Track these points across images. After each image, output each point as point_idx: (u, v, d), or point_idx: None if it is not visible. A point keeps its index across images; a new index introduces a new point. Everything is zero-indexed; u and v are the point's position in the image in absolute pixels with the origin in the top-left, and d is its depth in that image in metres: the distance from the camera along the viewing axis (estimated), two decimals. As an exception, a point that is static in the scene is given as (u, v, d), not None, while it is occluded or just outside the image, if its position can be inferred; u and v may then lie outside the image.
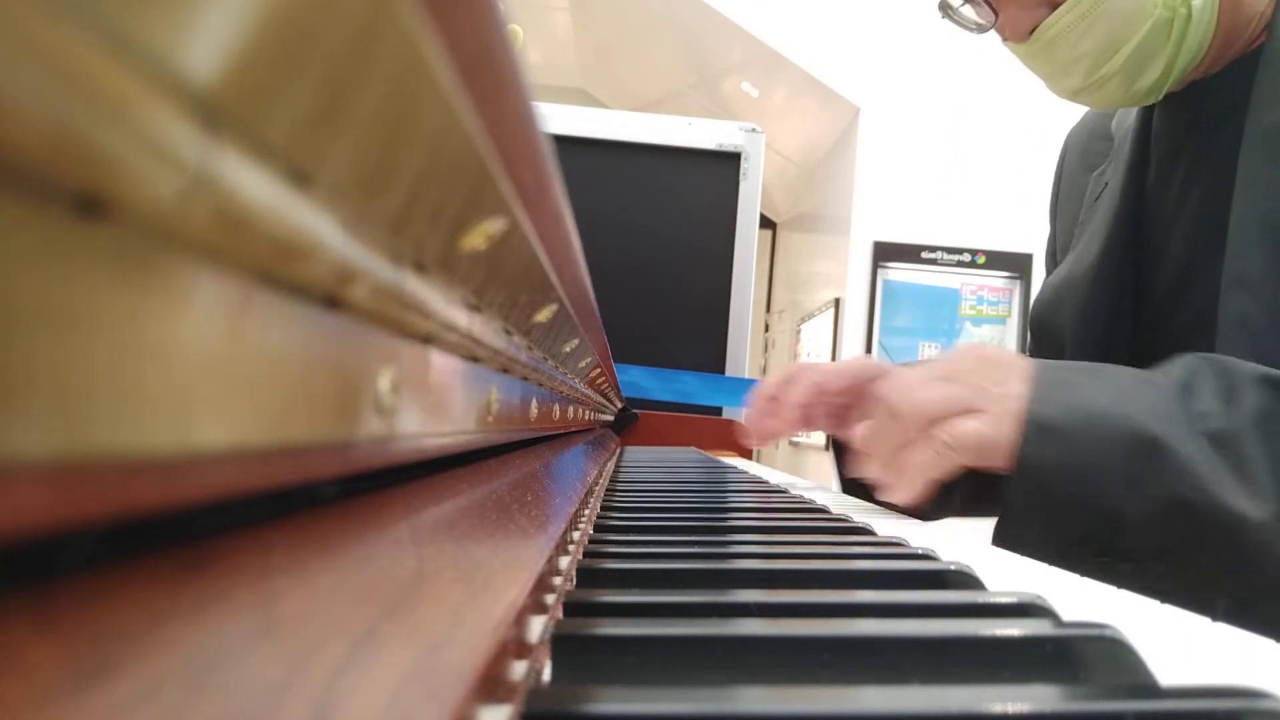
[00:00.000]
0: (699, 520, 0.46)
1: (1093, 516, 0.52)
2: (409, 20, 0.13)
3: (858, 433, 0.62)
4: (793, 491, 0.70)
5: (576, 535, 0.38)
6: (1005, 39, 0.75)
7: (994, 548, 0.49)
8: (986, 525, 0.64)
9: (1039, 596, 0.26)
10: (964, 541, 0.48)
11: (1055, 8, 0.70)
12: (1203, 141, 0.74)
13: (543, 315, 0.37)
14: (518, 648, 0.19)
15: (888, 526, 0.49)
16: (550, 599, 0.25)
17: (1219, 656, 0.25)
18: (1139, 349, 0.79)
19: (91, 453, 0.09)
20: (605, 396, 1.06)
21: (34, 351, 0.08)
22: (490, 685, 0.16)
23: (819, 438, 4.67)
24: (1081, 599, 0.33)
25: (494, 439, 0.34)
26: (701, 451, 1.37)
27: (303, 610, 0.13)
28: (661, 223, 1.69)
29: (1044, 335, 0.87)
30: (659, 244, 1.69)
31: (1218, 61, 0.73)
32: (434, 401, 0.23)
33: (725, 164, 1.70)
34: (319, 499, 0.18)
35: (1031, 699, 0.18)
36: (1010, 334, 4.39)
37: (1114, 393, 0.54)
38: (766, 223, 6.32)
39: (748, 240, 1.70)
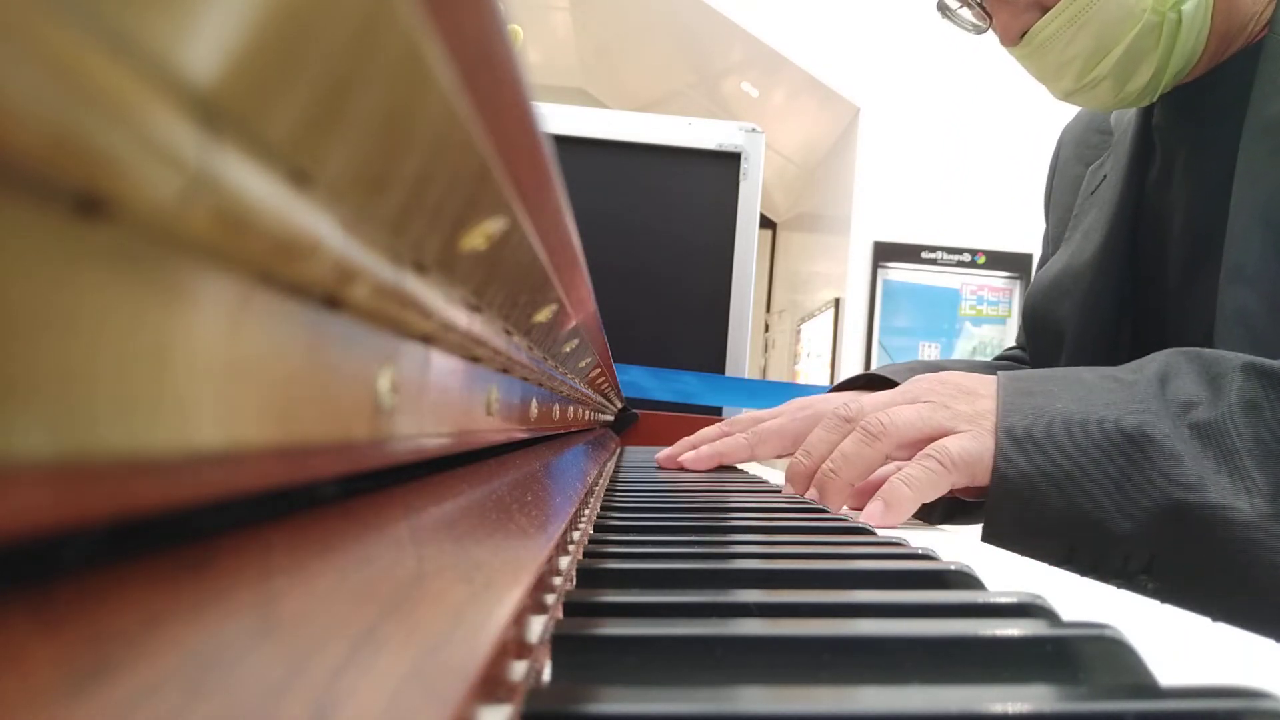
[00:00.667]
0: (699, 520, 0.46)
1: (1078, 528, 0.51)
2: (409, 20, 0.13)
3: (799, 461, 0.62)
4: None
5: (576, 535, 0.38)
6: (1001, 42, 0.77)
7: (995, 548, 0.49)
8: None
9: (1039, 596, 0.26)
10: (964, 541, 0.48)
11: (1046, 11, 0.71)
12: (1204, 135, 0.75)
13: (543, 315, 0.37)
14: (518, 648, 0.19)
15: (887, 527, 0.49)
16: (550, 599, 0.25)
17: (1219, 656, 0.25)
18: (1141, 342, 0.79)
19: (91, 453, 0.09)
20: (605, 396, 1.06)
21: (34, 351, 0.08)
22: (490, 685, 0.16)
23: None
24: (1081, 599, 0.33)
25: (494, 439, 0.34)
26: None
27: (303, 610, 0.13)
28: (661, 223, 1.69)
29: (1040, 327, 0.86)
30: (659, 244, 1.69)
31: (1219, 58, 0.73)
32: (434, 401, 0.23)
33: (725, 164, 1.70)
34: (319, 499, 0.18)
35: (1031, 699, 0.18)
36: (1010, 334, 4.39)
37: (1085, 395, 0.54)
38: (766, 223, 6.32)
39: (748, 240, 1.70)
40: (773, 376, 6.11)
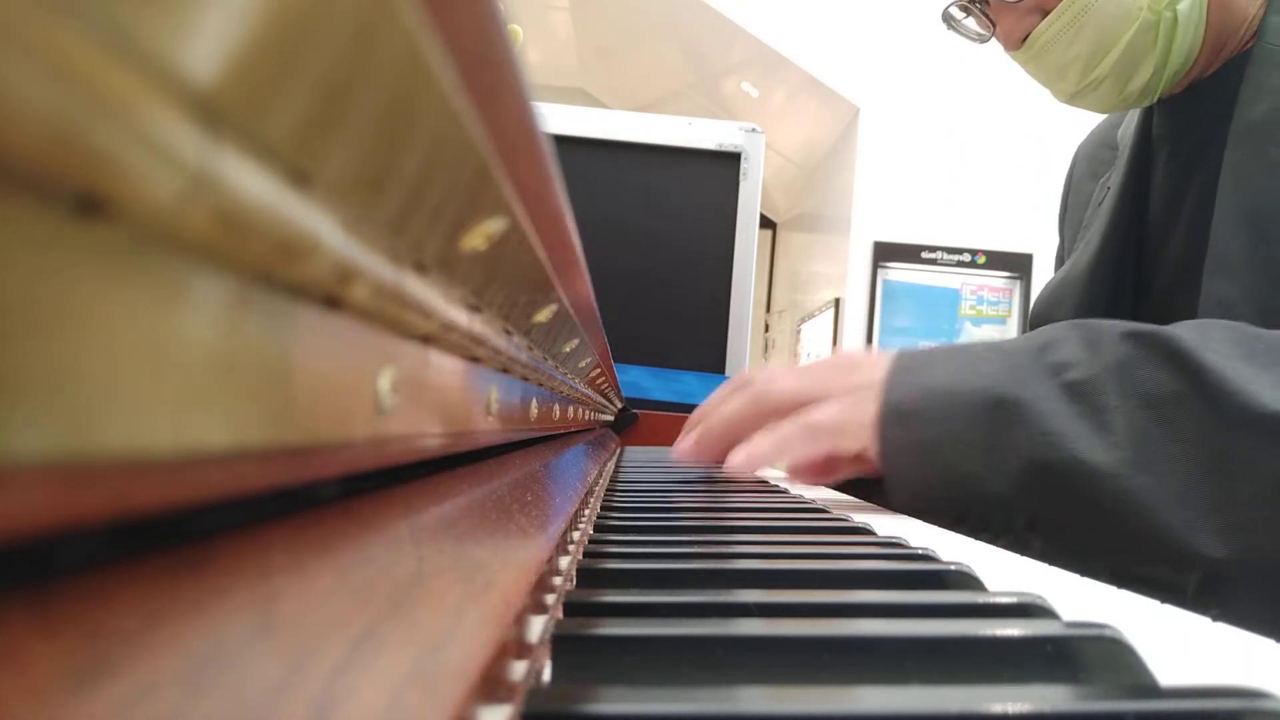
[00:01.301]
0: (699, 520, 0.46)
1: (959, 492, 0.55)
2: (409, 20, 0.13)
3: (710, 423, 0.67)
4: (782, 487, 0.71)
5: (576, 535, 0.38)
6: (1004, 48, 0.79)
7: (996, 549, 0.49)
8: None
9: (1039, 596, 0.26)
10: (964, 542, 0.48)
11: (1046, 15, 0.74)
12: (1198, 140, 0.77)
13: (543, 315, 0.37)
14: (518, 648, 0.19)
15: (888, 526, 0.49)
16: (550, 599, 0.25)
17: (1219, 656, 0.25)
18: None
19: (91, 453, 0.09)
20: (605, 396, 1.06)
21: (34, 351, 0.08)
22: (490, 685, 0.16)
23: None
24: (1081, 599, 0.33)
25: (494, 439, 0.34)
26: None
27: (302, 610, 0.13)
28: (661, 223, 1.69)
29: None
30: (659, 244, 1.69)
31: (1213, 62, 0.76)
32: (434, 401, 0.23)
33: (725, 164, 1.70)
34: (319, 499, 0.18)
35: (1031, 699, 0.18)
36: (1010, 334, 4.39)
37: (960, 367, 0.57)
38: (766, 223, 6.32)
39: (748, 240, 1.70)
40: (773, 376, 6.09)
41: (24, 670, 0.08)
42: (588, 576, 0.30)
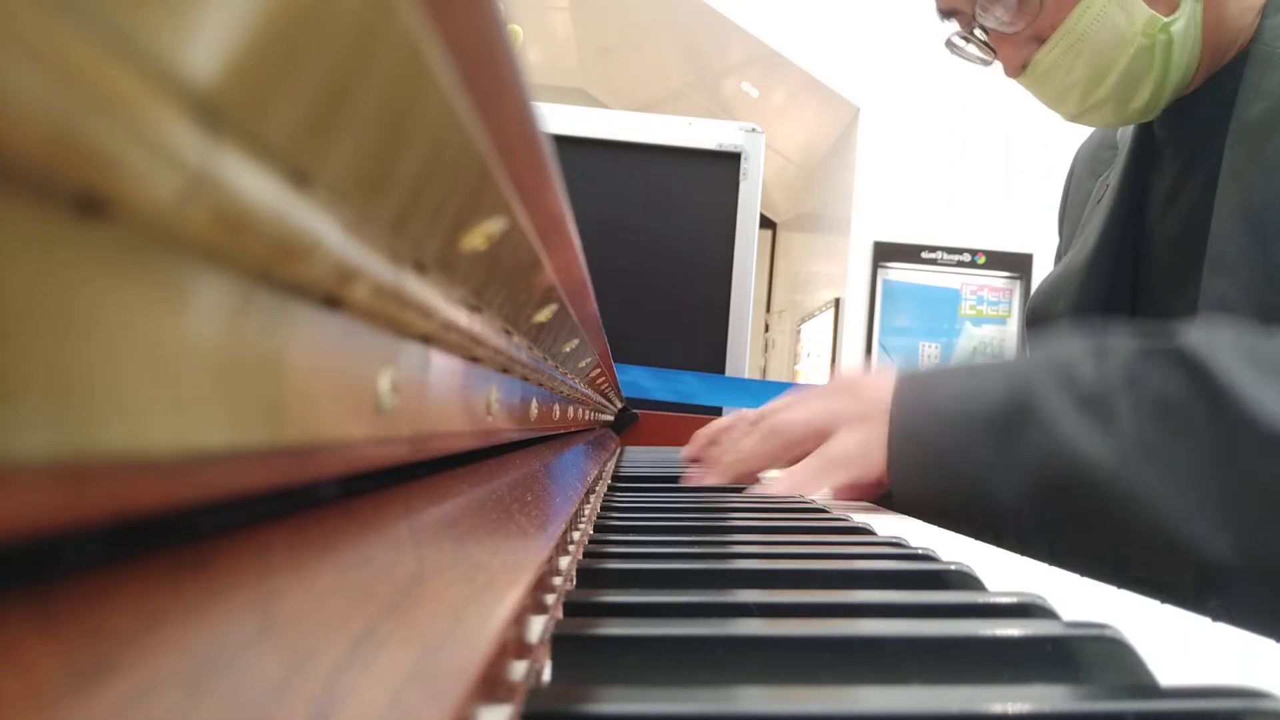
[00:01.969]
0: (699, 520, 0.46)
1: (970, 503, 0.57)
2: (409, 20, 0.13)
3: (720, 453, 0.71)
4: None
5: (576, 535, 0.38)
6: (1005, 74, 0.81)
7: (995, 549, 0.49)
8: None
9: (1039, 596, 0.26)
10: (964, 541, 0.48)
11: (1044, 42, 0.75)
12: (1197, 139, 0.78)
13: (543, 315, 0.37)
14: (518, 648, 0.19)
15: (888, 526, 0.49)
16: (550, 599, 0.25)
17: (1219, 656, 0.25)
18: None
19: (91, 453, 0.09)
20: (605, 396, 1.06)
21: (34, 351, 0.08)
22: (490, 685, 0.16)
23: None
24: (1081, 599, 0.33)
25: (494, 439, 0.34)
26: (701, 451, 1.37)
27: (302, 610, 0.13)
28: (661, 223, 1.69)
29: (1039, 329, 0.90)
30: (659, 244, 1.69)
31: (1210, 72, 0.77)
32: (434, 401, 0.23)
33: (725, 164, 1.70)
34: (319, 499, 0.18)
35: (1031, 699, 0.18)
36: (1010, 334, 4.39)
37: (967, 383, 0.60)
38: (766, 223, 6.32)
39: (748, 240, 1.70)
40: (773, 376, 6.11)
41: (24, 670, 0.08)
42: (588, 576, 0.30)
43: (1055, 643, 0.22)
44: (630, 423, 1.54)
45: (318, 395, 0.15)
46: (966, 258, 4.36)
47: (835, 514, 0.51)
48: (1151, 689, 0.20)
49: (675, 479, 0.72)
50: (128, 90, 0.08)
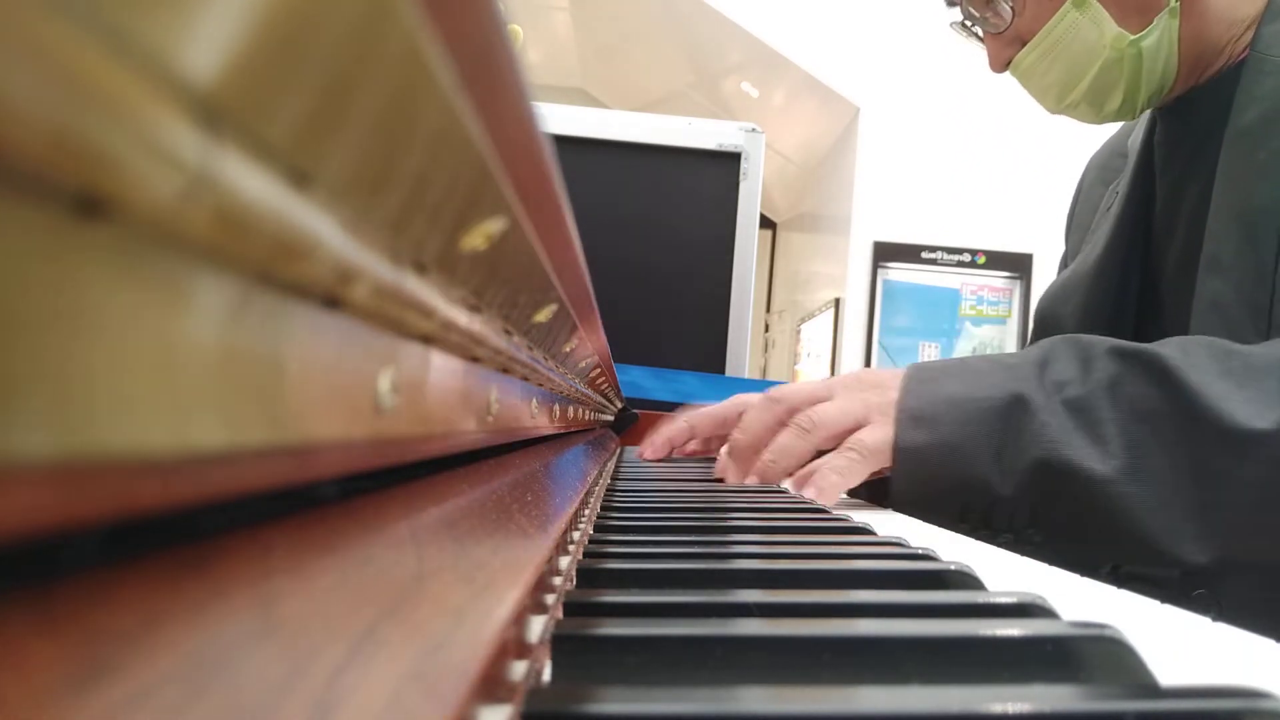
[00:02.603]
0: (699, 520, 0.46)
1: (967, 490, 0.60)
2: (409, 20, 0.13)
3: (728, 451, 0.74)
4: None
5: (576, 535, 0.38)
6: (991, 69, 0.87)
7: (994, 548, 0.49)
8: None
9: (1039, 596, 0.26)
10: (964, 541, 0.48)
11: (1025, 44, 0.81)
12: (1196, 145, 0.81)
13: (543, 315, 0.37)
14: (518, 648, 0.19)
15: (887, 526, 0.49)
16: (550, 599, 0.25)
17: (1219, 656, 0.25)
18: (1139, 338, 0.83)
19: (91, 453, 0.09)
20: (605, 396, 1.06)
21: (34, 351, 0.08)
22: (490, 685, 0.16)
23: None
24: (1081, 599, 0.33)
25: (494, 439, 0.34)
26: (701, 451, 1.37)
27: (303, 610, 0.13)
28: (661, 222, 1.69)
29: (1047, 329, 0.93)
30: (659, 244, 1.68)
31: (1200, 76, 0.81)
32: (434, 401, 0.23)
33: (725, 164, 1.69)
34: (319, 499, 0.18)
35: (1031, 699, 0.18)
36: (1010, 334, 4.39)
37: (971, 378, 0.63)
38: (766, 223, 6.32)
39: (748, 240, 1.70)
40: (773, 376, 6.11)
41: (24, 671, 0.08)
42: (588, 576, 0.30)
43: (1055, 643, 0.22)
44: (630, 423, 1.54)
45: (318, 395, 0.15)
46: (966, 258, 4.36)
47: (835, 514, 0.51)
48: (1151, 689, 0.20)
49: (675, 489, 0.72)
50: (128, 90, 0.08)
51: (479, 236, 0.21)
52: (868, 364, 4.33)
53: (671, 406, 1.61)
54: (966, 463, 0.60)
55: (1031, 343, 0.99)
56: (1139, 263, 0.85)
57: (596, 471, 0.67)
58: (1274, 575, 0.61)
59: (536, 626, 0.22)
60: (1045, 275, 4.18)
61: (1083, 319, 0.87)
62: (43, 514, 0.08)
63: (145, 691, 0.09)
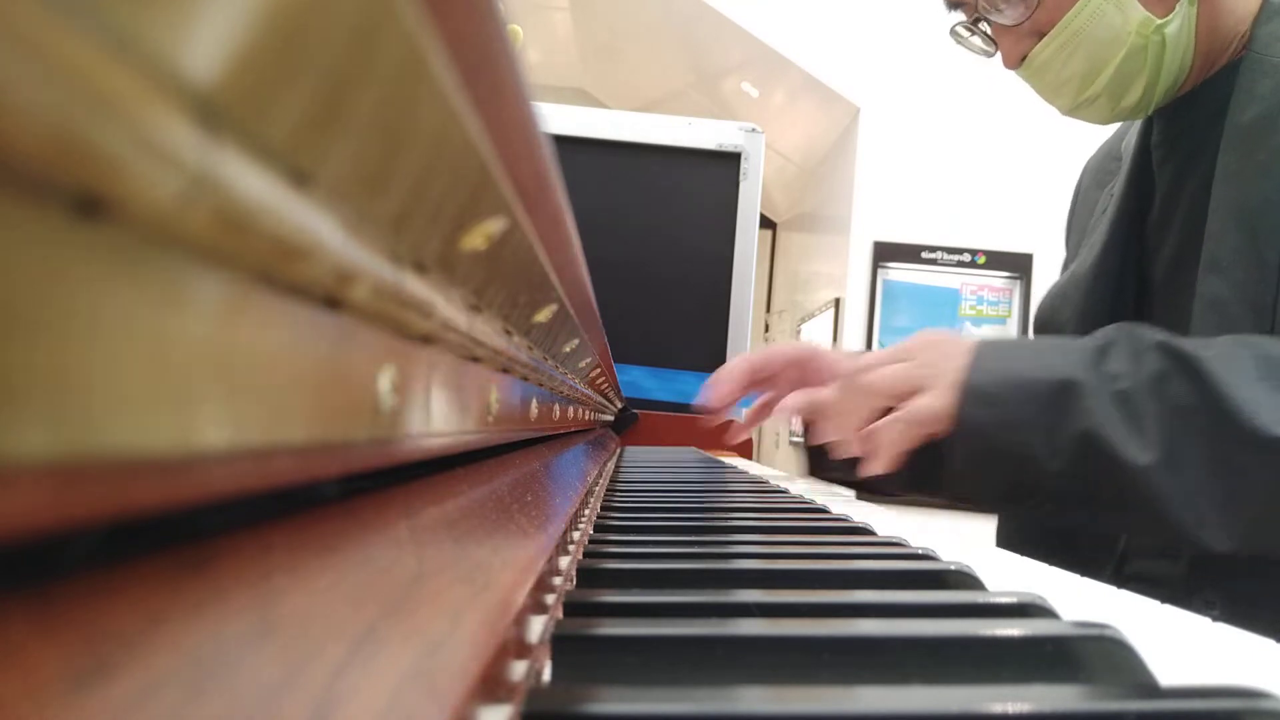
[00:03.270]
0: (699, 520, 0.46)
1: (1018, 466, 0.63)
2: (409, 20, 0.13)
3: (795, 400, 0.79)
4: (772, 483, 0.72)
5: (576, 535, 0.38)
6: (1005, 65, 0.85)
7: (995, 549, 0.50)
8: (987, 525, 0.69)
9: (1039, 596, 0.26)
10: (964, 542, 0.48)
11: (1042, 37, 0.79)
12: (1193, 145, 0.81)
13: (543, 315, 0.37)
14: (518, 648, 0.19)
15: (888, 526, 0.49)
16: (550, 599, 0.25)
17: (1219, 656, 0.25)
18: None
19: (91, 453, 0.09)
20: (605, 396, 1.06)
21: (34, 351, 0.08)
22: (490, 685, 0.16)
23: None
24: (1081, 599, 0.33)
25: (494, 439, 0.34)
26: (701, 451, 1.37)
27: (303, 610, 0.13)
28: (661, 223, 1.69)
29: (1047, 331, 0.93)
30: (659, 244, 1.68)
31: (1205, 73, 0.80)
32: (434, 401, 0.23)
33: (725, 164, 1.69)
34: (319, 499, 0.18)
35: (1031, 699, 0.18)
36: (1010, 334, 4.39)
37: (1035, 358, 0.65)
38: (766, 223, 6.32)
39: (748, 240, 1.70)
40: (773, 376, 6.09)
41: (24, 671, 0.08)
42: (588, 576, 0.30)
43: (1055, 643, 0.22)
44: (630, 423, 1.54)
45: (317, 395, 0.15)
46: (966, 258, 4.36)
47: (835, 514, 0.51)
48: (1151, 689, 0.20)
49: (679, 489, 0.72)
50: (128, 90, 0.08)
51: (479, 236, 0.21)
52: (868, 364, 4.32)
53: (671, 406, 1.61)
54: (1021, 440, 0.63)
55: None
56: (1136, 264, 0.86)
57: (596, 471, 0.67)
58: (1274, 575, 0.63)
59: (536, 626, 0.22)
60: (1045, 275, 4.18)
61: (1081, 321, 0.87)
62: (43, 514, 0.08)
63: (145, 691, 0.09)
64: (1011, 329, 4.38)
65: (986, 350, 0.67)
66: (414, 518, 0.21)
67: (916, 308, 4.44)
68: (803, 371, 0.84)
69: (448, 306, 0.21)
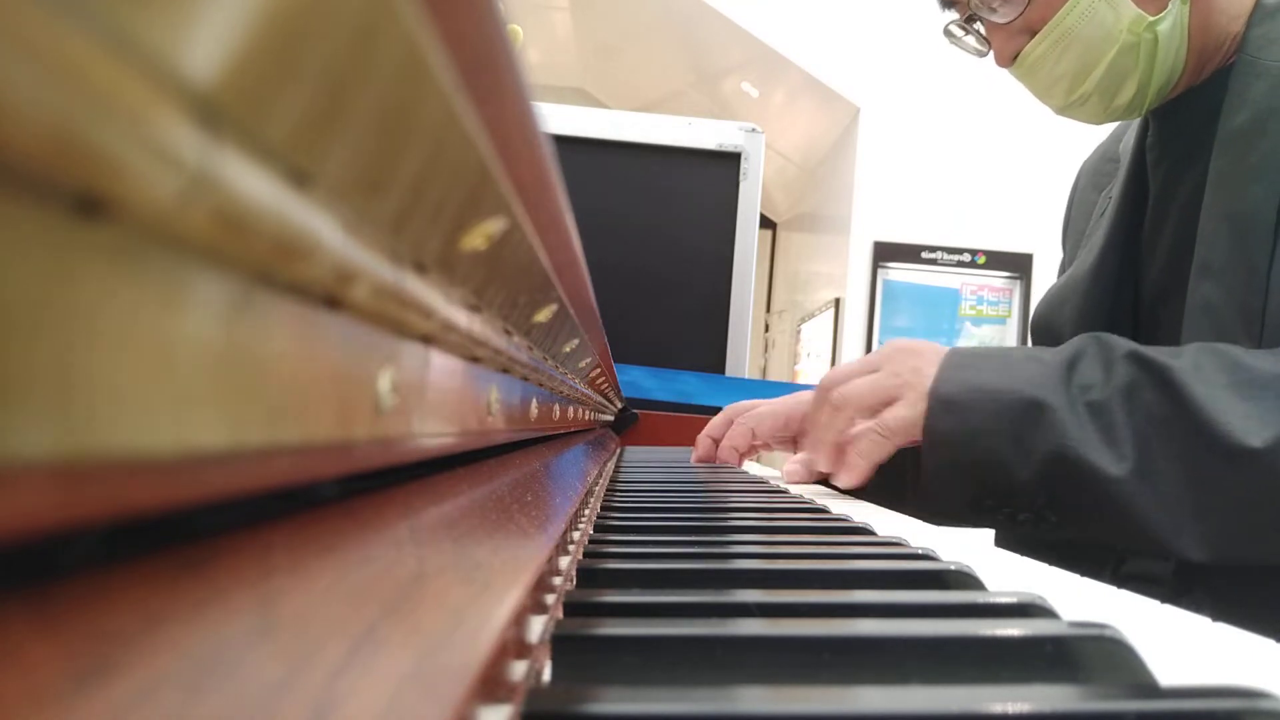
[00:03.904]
0: (699, 520, 0.46)
1: (989, 475, 0.63)
2: (409, 20, 0.13)
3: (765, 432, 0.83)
4: (772, 483, 0.73)
5: (576, 535, 0.38)
6: (997, 64, 0.85)
7: (995, 549, 0.50)
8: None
9: (1039, 596, 0.26)
10: (964, 542, 0.48)
11: (1034, 35, 0.79)
12: (1187, 148, 0.81)
13: (543, 315, 0.37)
14: (518, 648, 0.19)
15: (887, 526, 0.49)
16: (550, 599, 0.25)
17: (1219, 656, 0.25)
18: (1136, 340, 0.83)
19: (91, 453, 0.09)
20: (605, 396, 1.06)
21: (34, 351, 0.08)
22: (490, 685, 0.16)
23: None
24: (1081, 599, 0.33)
25: (494, 439, 0.34)
26: (701, 451, 1.36)
27: (302, 610, 0.13)
28: (661, 222, 1.69)
29: (1044, 333, 0.93)
30: (659, 244, 1.68)
31: (1199, 74, 0.80)
32: (434, 401, 0.23)
33: (725, 164, 1.69)
34: (319, 499, 0.18)
35: (1031, 699, 0.18)
36: (1010, 334, 4.39)
37: (1004, 369, 0.66)
38: (766, 223, 6.31)
39: (748, 240, 1.70)
40: (773, 376, 6.11)
41: (24, 670, 0.08)
42: (588, 576, 0.30)
43: (1055, 643, 0.22)
44: (630, 423, 1.54)
45: (318, 395, 0.15)
46: (966, 258, 4.36)
47: (835, 514, 0.51)
48: (1151, 689, 0.20)
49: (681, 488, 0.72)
50: (128, 90, 0.08)
51: (479, 236, 0.21)
52: (868, 364, 4.33)
53: (671, 406, 1.61)
54: (990, 449, 0.63)
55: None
56: (1133, 267, 0.86)
57: (596, 471, 0.67)
58: (1268, 575, 0.63)
59: (536, 626, 0.22)
60: (1045, 275, 4.18)
61: (1079, 325, 0.87)
62: (43, 514, 0.08)
63: (145, 691, 0.09)
64: (1011, 329, 4.38)
65: (955, 359, 0.68)
66: (414, 518, 0.21)
67: (916, 308, 4.44)
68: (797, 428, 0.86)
69: (448, 306, 0.21)
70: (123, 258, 0.09)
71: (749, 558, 0.35)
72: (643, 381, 1.60)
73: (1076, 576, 0.37)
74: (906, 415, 0.66)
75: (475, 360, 0.28)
